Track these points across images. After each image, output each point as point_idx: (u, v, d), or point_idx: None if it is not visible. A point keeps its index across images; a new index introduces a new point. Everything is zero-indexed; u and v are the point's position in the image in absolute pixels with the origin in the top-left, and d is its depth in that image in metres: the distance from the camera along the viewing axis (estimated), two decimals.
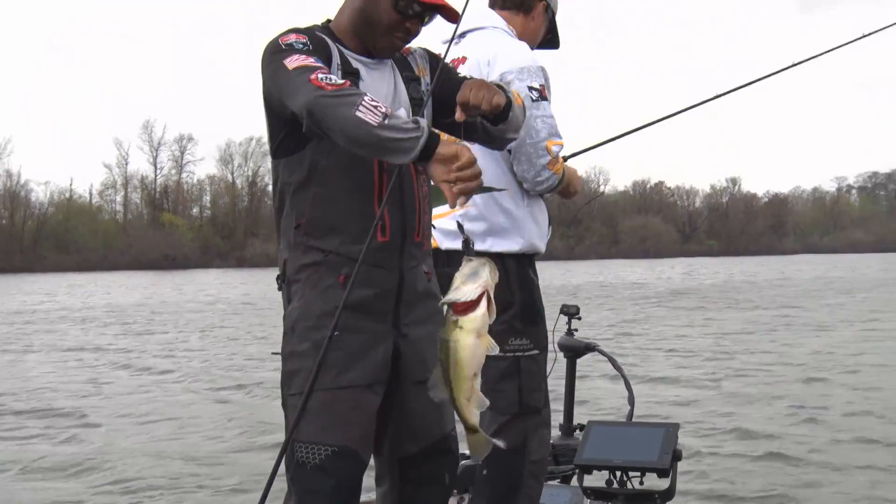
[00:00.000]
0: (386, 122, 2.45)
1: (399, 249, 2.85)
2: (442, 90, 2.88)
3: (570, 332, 5.04)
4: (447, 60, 3.09)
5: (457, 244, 3.13)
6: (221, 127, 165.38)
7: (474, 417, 2.56)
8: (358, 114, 2.45)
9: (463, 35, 3.68)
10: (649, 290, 41.94)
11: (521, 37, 3.82)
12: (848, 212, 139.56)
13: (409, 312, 2.88)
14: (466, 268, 2.50)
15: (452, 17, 2.86)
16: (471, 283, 2.48)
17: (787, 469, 8.49)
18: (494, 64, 3.58)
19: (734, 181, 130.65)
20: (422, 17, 2.85)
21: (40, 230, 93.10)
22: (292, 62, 2.64)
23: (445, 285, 2.54)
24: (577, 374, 5.25)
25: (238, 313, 31.83)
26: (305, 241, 2.81)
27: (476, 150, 3.57)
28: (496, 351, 2.53)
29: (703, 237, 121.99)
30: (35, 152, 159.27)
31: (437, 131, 2.59)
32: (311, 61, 2.64)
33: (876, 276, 51.56)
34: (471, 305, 2.47)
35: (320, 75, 2.56)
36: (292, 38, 2.74)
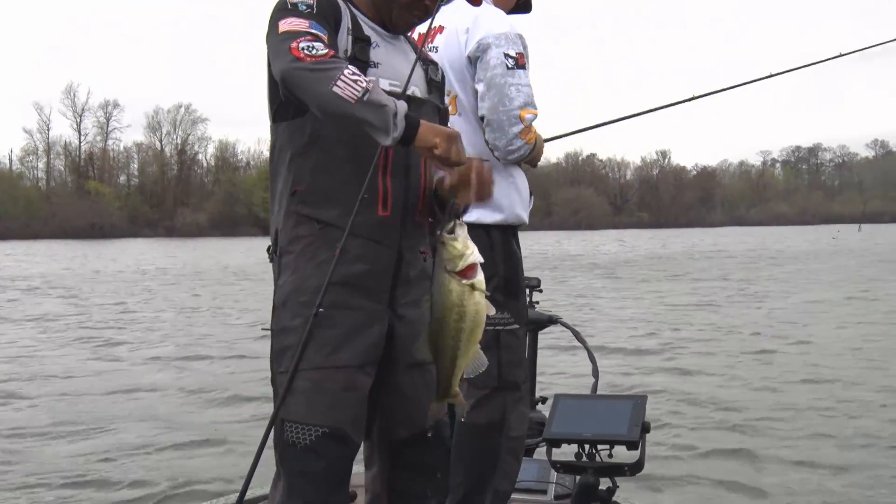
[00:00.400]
0: (365, 98, 2.35)
1: (400, 226, 2.69)
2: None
3: (531, 305, 4.91)
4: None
5: None
6: (149, 93, 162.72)
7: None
8: (335, 89, 2.34)
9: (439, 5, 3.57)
10: (590, 261, 42.20)
11: (495, 3, 3.67)
12: (773, 185, 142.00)
13: (405, 293, 2.73)
14: (464, 230, 2.48)
15: None
16: (472, 244, 2.47)
17: (751, 436, 8.54)
18: (473, 31, 3.46)
19: (664, 154, 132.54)
20: None
21: None
22: (284, 24, 2.50)
23: None
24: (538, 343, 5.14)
25: (175, 283, 31.50)
26: (301, 210, 2.64)
27: (459, 120, 3.47)
28: (492, 311, 2.55)
29: (634, 209, 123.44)
30: None
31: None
32: (302, 26, 2.49)
33: (804, 248, 52.52)
34: (473, 267, 2.48)
35: (302, 44, 2.42)
36: None
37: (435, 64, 2.94)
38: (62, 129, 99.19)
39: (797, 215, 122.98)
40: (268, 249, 2.76)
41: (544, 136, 3.83)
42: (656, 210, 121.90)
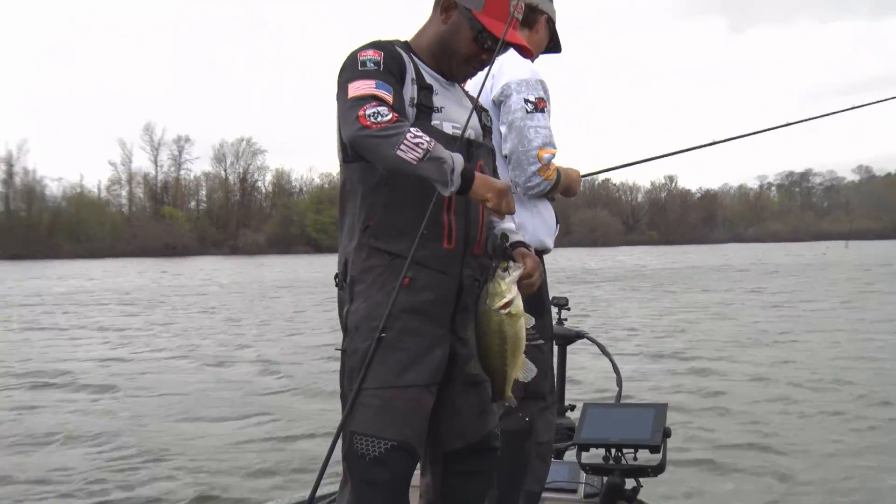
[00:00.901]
0: (426, 158, 2.37)
1: (461, 257, 2.69)
2: None
3: (560, 322, 4.87)
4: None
5: None
6: (215, 128, 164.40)
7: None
8: (398, 153, 2.37)
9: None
10: (609, 275, 41.92)
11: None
12: (769, 206, 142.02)
13: (465, 318, 2.72)
14: (515, 273, 2.61)
15: (525, 52, 2.82)
16: (515, 287, 2.59)
17: (765, 439, 8.29)
18: (499, 77, 3.42)
19: (671, 178, 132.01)
20: (493, 48, 2.71)
21: (55, 222, 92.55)
22: (353, 89, 2.51)
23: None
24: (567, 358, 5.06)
25: (241, 293, 31.56)
26: (373, 243, 2.63)
27: None
28: (532, 323, 2.68)
29: (645, 228, 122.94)
30: (47, 151, 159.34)
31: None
32: (369, 89, 2.49)
33: (803, 262, 52.15)
34: (510, 302, 2.59)
35: (369, 111, 2.41)
36: (369, 53, 2.59)
37: (486, 110, 2.94)
38: (141, 162, 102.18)
39: (790, 233, 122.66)
40: (335, 277, 2.72)
41: (582, 172, 3.78)
42: (664, 229, 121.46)
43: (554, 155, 3.43)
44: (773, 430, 8.85)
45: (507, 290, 2.56)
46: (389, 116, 2.41)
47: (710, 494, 6.62)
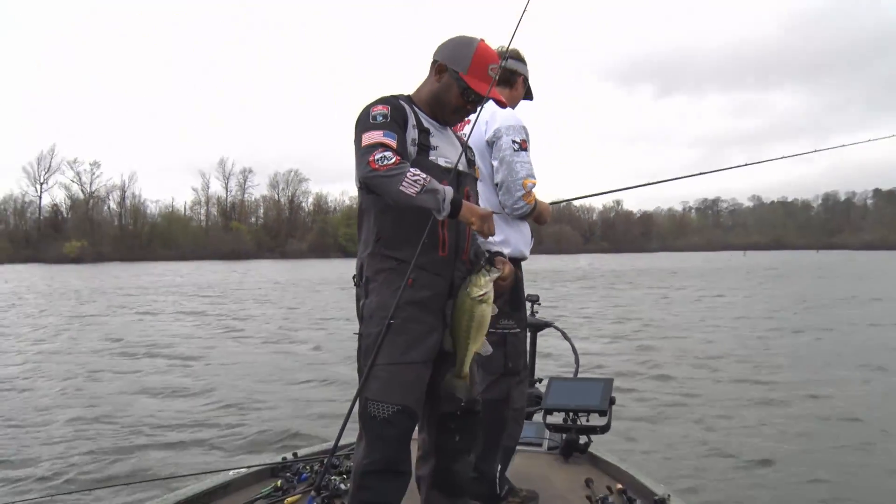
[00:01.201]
0: (422, 191, 2.38)
1: (452, 263, 2.65)
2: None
3: (532, 314, 4.77)
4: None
5: None
6: (271, 160, 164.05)
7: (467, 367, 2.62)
8: (401, 188, 2.38)
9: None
10: (575, 275, 41.91)
11: (507, 102, 3.52)
12: (690, 223, 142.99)
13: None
14: (492, 275, 2.59)
15: (500, 103, 2.83)
16: (491, 283, 2.59)
17: (695, 406, 8.22)
18: (491, 122, 3.36)
19: (618, 202, 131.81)
20: (477, 102, 2.74)
21: (152, 233, 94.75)
22: (367, 138, 2.49)
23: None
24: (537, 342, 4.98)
25: (295, 287, 31.49)
26: (383, 251, 2.61)
27: (480, 184, 3.36)
28: (495, 311, 2.61)
29: (599, 240, 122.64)
30: (149, 179, 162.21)
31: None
32: (378, 137, 2.48)
33: (713, 267, 52.24)
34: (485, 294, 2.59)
35: (377, 156, 2.41)
36: (378, 108, 2.56)
37: (471, 148, 2.93)
38: (216, 187, 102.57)
39: (705, 244, 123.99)
40: (353, 277, 2.70)
41: (549, 200, 3.72)
42: (614, 240, 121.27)
43: (535, 184, 3.37)
44: (695, 392, 8.85)
45: (486, 285, 2.56)
46: (394, 160, 2.41)
47: (646, 444, 6.54)
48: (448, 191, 2.43)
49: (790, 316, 17.88)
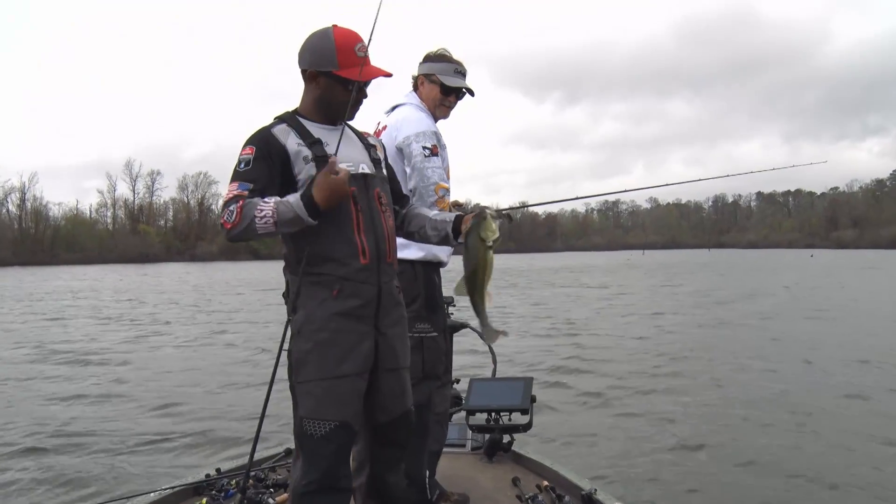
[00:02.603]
0: (277, 219, 2.28)
1: (377, 268, 2.49)
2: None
3: (448, 315, 4.68)
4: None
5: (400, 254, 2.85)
6: (179, 162, 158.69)
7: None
8: (259, 230, 2.31)
9: (394, 108, 3.44)
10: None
11: (428, 108, 3.43)
12: (592, 224, 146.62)
13: (385, 316, 2.52)
14: (498, 220, 2.53)
15: (387, 75, 2.55)
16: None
17: (614, 399, 8.29)
18: (402, 129, 3.27)
19: (523, 203, 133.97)
20: (363, 87, 2.54)
21: (55, 236, 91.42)
22: (226, 192, 2.39)
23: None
24: (454, 343, 4.90)
25: (205, 291, 30.57)
26: (306, 269, 2.42)
27: None
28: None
29: (506, 240, 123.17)
30: (50, 181, 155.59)
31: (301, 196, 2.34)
32: (233, 192, 2.35)
33: (616, 264, 53.66)
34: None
35: (225, 215, 2.31)
36: (245, 153, 2.41)
37: (375, 146, 2.71)
38: (123, 190, 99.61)
39: (606, 244, 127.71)
40: (283, 294, 2.53)
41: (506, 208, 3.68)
42: (520, 241, 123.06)
43: (447, 190, 3.27)
44: (613, 385, 8.97)
45: (497, 229, 2.50)
46: (236, 211, 2.30)
47: (567, 440, 6.55)
48: (293, 199, 2.31)
49: (697, 311, 18.51)
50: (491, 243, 2.48)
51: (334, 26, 2.50)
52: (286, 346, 2.47)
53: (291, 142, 2.44)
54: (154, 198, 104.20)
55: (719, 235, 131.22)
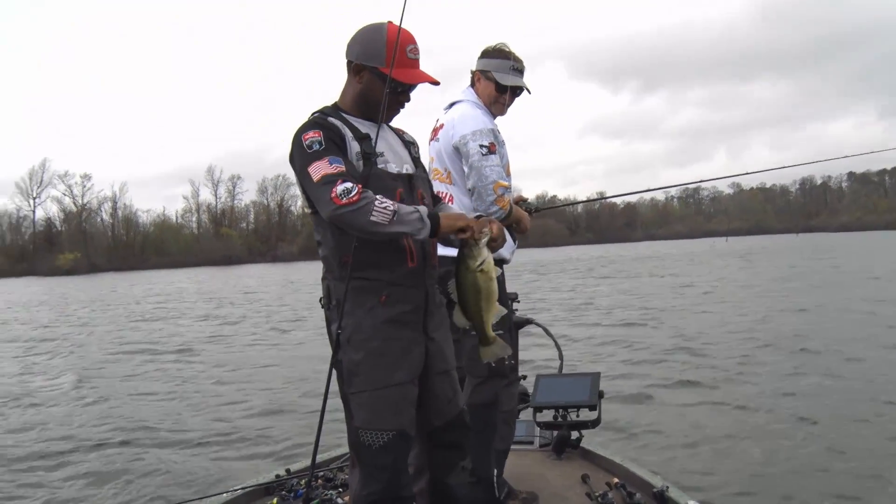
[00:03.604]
0: (395, 219, 2.22)
1: (423, 271, 2.45)
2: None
3: (512, 311, 4.65)
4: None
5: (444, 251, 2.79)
6: (260, 166, 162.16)
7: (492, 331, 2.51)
8: (372, 219, 2.20)
9: (451, 105, 3.40)
10: (557, 267, 41.62)
11: (482, 98, 3.40)
12: (672, 212, 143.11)
13: (432, 320, 2.49)
14: (483, 240, 2.40)
15: (433, 82, 2.47)
16: (484, 247, 2.41)
17: (686, 392, 7.97)
18: (457, 128, 3.24)
19: (601, 194, 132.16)
20: (407, 90, 2.47)
21: (145, 242, 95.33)
22: (315, 171, 2.26)
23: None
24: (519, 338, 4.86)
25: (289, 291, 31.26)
26: (351, 274, 2.35)
27: (453, 188, 3.23)
28: (500, 272, 2.55)
29: (584, 231, 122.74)
30: (139, 189, 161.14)
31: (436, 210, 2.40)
32: (329, 168, 2.25)
33: (700, 251, 52.22)
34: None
35: (339, 188, 2.20)
36: (310, 135, 2.31)
37: (413, 143, 2.65)
38: (206, 195, 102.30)
39: (688, 232, 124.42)
40: (320, 300, 2.49)
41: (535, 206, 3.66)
42: (598, 232, 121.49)
43: (506, 188, 3.22)
44: (686, 379, 8.61)
45: (480, 252, 2.38)
46: (356, 190, 2.21)
47: (638, 435, 6.37)
48: (422, 210, 2.28)
49: (786, 296, 17.72)
50: (476, 268, 2.40)
51: (389, 23, 2.42)
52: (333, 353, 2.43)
53: (347, 133, 2.38)
54: (235, 202, 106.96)
55: (808, 219, 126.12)
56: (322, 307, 2.50)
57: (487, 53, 3.41)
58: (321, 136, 2.30)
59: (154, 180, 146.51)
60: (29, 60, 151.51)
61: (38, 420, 8.21)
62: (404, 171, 2.47)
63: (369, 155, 2.36)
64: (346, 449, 4.10)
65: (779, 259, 37.92)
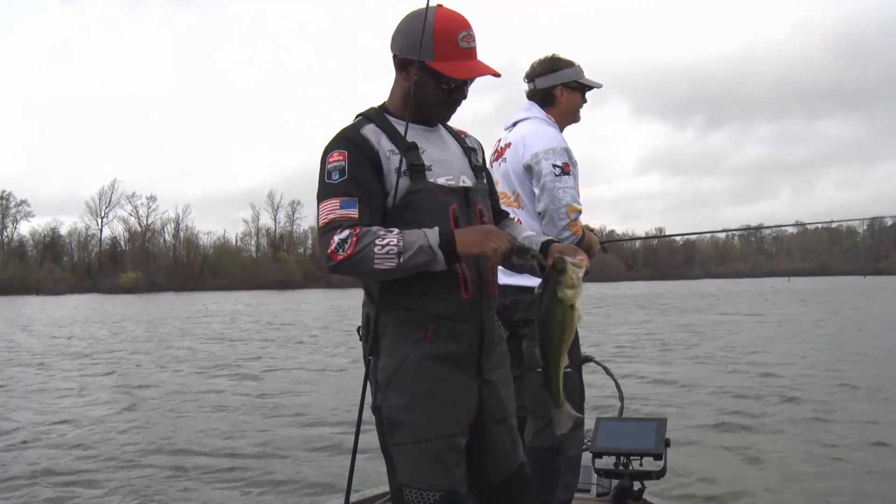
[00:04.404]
0: (402, 260, 1.92)
1: (479, 303, 2.10)
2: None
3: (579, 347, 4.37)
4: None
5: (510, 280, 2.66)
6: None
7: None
8: (376, 267, 1.93)
9: (515, 124, 3.24)
10: (615, 303, 40.77)
11: (558, 120, 3.24)
12: (732, 250, 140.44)
13: (488, 359, 2.14)
14: (583, 270, 1.99)
15: (494, 74, 2.09)
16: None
17: (759, 443, 7.26)
18: (528, 146, 3.06)
19: (660, 230, 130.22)
20: (462, 86, 2.10)
21: (204, 263, 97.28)
22: (323, 213, 2.00)
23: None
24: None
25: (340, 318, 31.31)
26: (393, 302, 2.06)
27: (522, 212, 3.01)
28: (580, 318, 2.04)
29: (641, 267, 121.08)
30: (201, 211, 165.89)
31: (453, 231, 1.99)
32: (336, 214, 1.97)
33: (761, 292, 50.79)
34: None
35: (335, 243, 1.93)
36: (335, 158, 2.02)
37: (474, 150, 2.27)
38: (265, 219, 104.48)
39: (748, 271, 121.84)
40: (357, 330, 2.18)
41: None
42: (656, 267, 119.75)
43: (580, 212, 3.04)
44: (760, 428, 7.96)
45: (578, 283, 1.98)
46: (351, 240, 1.93)
47: (704, 488, 5.86)
48: (431, 235, 1.94)
49: (848, 340, 16.94)
50: (571, 302, 1.99)
51: (438, 7, 2.07)
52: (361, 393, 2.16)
53: (384, 146, 2.06)
54: (294, 226, 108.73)
55: (876, 261, 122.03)
56: (360, 338, 2.21)
57: (562, 64, 3.24)
58: (345, 159, 2.01)
59: (218, 203, 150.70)
60: (106, 82, 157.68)
61: (73, 436, 8.17)
62: (461, 185, 2.13)
63: (417, 167, 2.05)
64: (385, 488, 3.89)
65: (852, 301, 36.51)
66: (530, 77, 3.27)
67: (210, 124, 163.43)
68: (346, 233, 1.94)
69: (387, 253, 1.92)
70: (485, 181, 2.27)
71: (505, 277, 2.50)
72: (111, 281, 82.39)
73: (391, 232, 1.95)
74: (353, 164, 2.01)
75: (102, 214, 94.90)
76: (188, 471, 6.66)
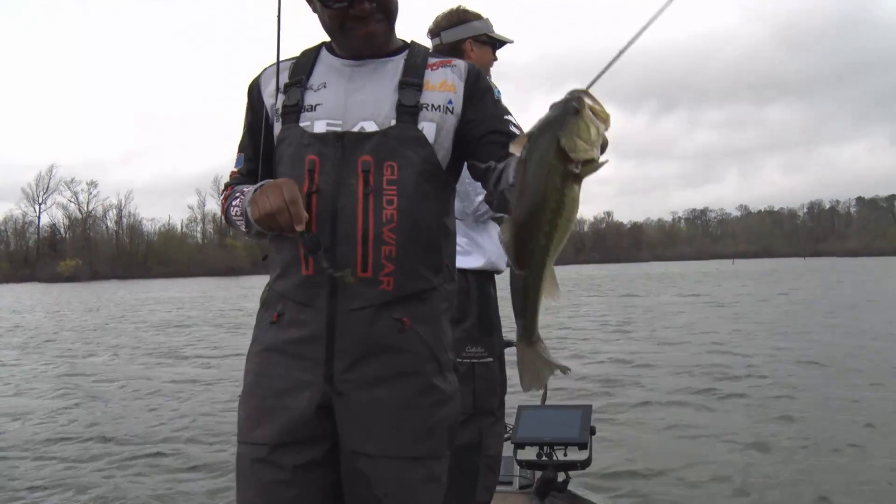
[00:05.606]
0: (248, 222, 1.62)
1: (328, 285, 1.60)
2: (468, 122, 1.68)
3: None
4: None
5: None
6: None
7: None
8: (241, 229, 1.68)
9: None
10: (567, 285, 40.66)
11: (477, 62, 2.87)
12: (679, 234, 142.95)
13: (351, 366, 1.60)
14: (604, 128, 1.24)
15: None
16: (599, 142, 1.24)
17: (680, 436, 6.90)
18: None
19: (609, 213, 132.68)
20: (349, 4, 1.59)
21: (148, 251, 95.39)
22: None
23: None
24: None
25: None
26: (269, 282, 1.74)
27: None
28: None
29: (589, 251, 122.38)
30: (145, 198, 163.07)
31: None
32: (233, 170, 1.82)
33: (705, 272, 51.69)
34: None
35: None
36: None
37: (416, 87, 1.65)
38: (212, 205, 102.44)
39: (694, 254, 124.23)
40: None
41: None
42: (604, 251, 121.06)
43: None
44: (687, 415, 7.71)
45: (596, 142, 1.23)
46: (222, 200, 1.77)
47: (631, 478, 5.61)
48: (249, 194, 1.58)
49: (784, 320, 17.13)
50: (580, 167, 1.23)
51: None
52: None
53: (270, 89, 1.74)
54: None
55: (816, 244, 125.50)
56: None
57: (469, 16, 2.90)
58: (246, 106, 1.81)
59: (162, 190, 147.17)
60: (43, 64, 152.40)
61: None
62: (348, 130, 1.62)
63: (291, 108, 1.68)
64: None
65: (787, 282, 37.32)
66: (434, 32, 2.91)
67: (154, 109, 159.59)
68: (227, 192, 1.77)
69: (237, 214, 1.66)
70: (417, 130, 1.63)
71: (460, 260, 2.05)
72: (50, 269, 79.92)
73: (246, 189, 1.66)
74: (246, 116, 1.81)
75: (40, 201, 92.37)
76: (120, 458, 6.37)
